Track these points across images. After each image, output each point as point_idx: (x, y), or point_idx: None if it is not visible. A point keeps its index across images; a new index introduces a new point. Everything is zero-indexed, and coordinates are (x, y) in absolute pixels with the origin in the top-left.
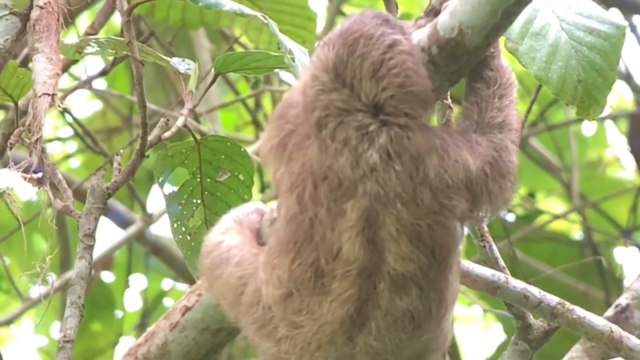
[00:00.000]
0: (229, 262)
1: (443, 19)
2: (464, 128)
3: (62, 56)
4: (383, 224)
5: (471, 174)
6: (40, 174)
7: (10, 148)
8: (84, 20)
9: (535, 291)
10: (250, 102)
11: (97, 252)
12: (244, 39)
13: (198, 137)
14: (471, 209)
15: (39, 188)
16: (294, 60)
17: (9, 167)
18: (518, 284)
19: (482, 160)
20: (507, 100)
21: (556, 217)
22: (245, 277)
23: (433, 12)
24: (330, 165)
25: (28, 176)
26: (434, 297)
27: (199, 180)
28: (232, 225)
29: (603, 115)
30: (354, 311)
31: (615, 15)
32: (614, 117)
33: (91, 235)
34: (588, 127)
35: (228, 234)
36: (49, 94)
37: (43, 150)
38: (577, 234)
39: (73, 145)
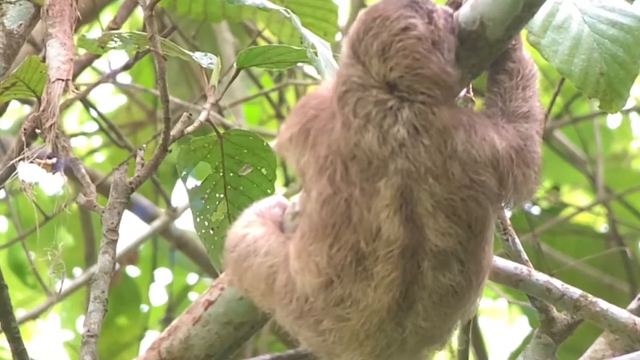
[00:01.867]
0: (257, 253)
1: (464, 11)
2: (490, 114)
3: (85, 51)
4: (418, 201)
5: (498, 153)
6: (54, 160)
7: (25, 134)
8: (107, 15)
9: (557, 284)
10: (274, 96)
11: (122, 246)
12: (266, 33)
13: (221, 131)
14: (499, 190)
15: (53, 174)
16: (316, 55)
17: (26, 158)
18: (541, 277)
19: (508, 144)
20: (530, 91)
21: (581, 209)
22: (275, 266)
23: (454, 4)
24: (357, 142)
25: (42, 162)
26: (473, 269)
27: (221, 174)
28: (255, 218)
29: (628, 107)
30: (400, 295)
31: (638, 6)
32: (639, 110)
33: (114, 230)
34: (613, 120)
35: (252, 227)
36: (62, 79)
37: (57, 136)
38: (602, 226)
39: (98, 140)
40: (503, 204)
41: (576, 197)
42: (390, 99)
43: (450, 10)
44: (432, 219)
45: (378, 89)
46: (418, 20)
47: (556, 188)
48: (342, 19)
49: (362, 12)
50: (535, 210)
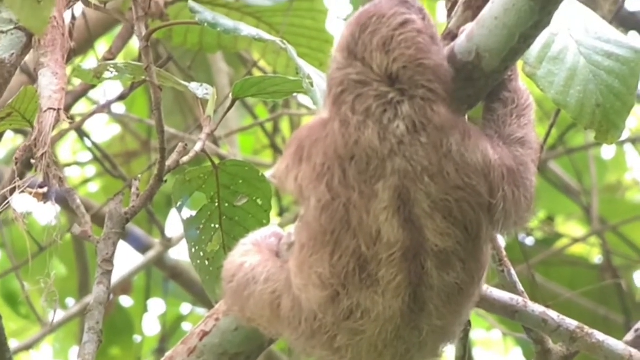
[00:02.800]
0: (257, 281)
1: (460, 42)
2: (486, 133)
3: (80, 81)
4: (416, 201)
5: (490, 163)
6: (46, 189)
7: (16, 163)
8: (102, 45)
9: (554, 315)
10: (269, 126)
11: (116, 276)
12: (262, 63)
13: (216, 161)
14: (490, 199)
15: (45, 203)
16: (312, 85)
17: (17, 187)
18: (537, 308)
19: (501, 161)
20: (525, 120)
21: (576, 240)
22: (278, 291)
23: (450, 35)
24: (357, 140)
25: (34, 191)
26: (474, 266)
27: (217, 204)
28: (251, 247)
29: (622, 138)
30: (409, 299)
31: (634, 38)
32: (633, 141)
33: (109, 261)
34: (607, 151)
35: (248, 256)
36: (54, 109)
37: (49, 165)
38: (596, 257)
39: (92, 170)
40: (493, 220)
41: (571, 228)
42: (391, 92)
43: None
44: (430, 220)
45: (379, 82)
46: (414, 16)
47: (550, 219)
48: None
49: (349, 20)
50: (530, 241)
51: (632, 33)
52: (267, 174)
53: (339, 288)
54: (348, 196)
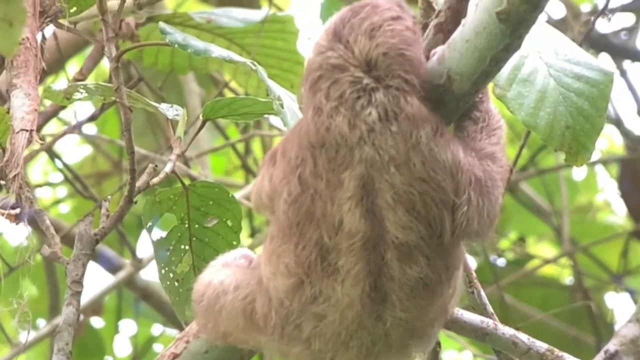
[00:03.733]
0: (227, 291)
1: (432, 65)
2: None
3: (49, 102)
4: (379, 192)
5: (459, 163)
6: (18, 210)
7: None
8: (73, 66)
9: (524, 338)
10: (240, 147)
11: (87, 297)
12: (233, 84)
13: (187, 182)
14: (454, 198)
15: (17, 224)
16: (282, 107)
17: None
18: (507, 331)
19: (470, 167)
20: (495, 139)
21: (547, 261)
22: (250, 295)
23: None
24: (328, 126)
25: (6, 212)
26: (441, 264)
27: (187, 226)
28: (220, 268)
29: (593, 160)
30: (369, 288)
31: (604, 60)
32: (604, 162)
33: (79, 282)
34: (578, 172)
35: (216, 274)
36: (26, 130)
37: (21, 187)
38: (567, 278)
39: (63, 191)
40: (455, 222)
41: (542, 249)
42: (366, 78)
43: None
44: (392, 212)
45: (356, 67)
46: (407, 16)
47: (522, 240)
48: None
49: (343, 9)
50: (501, 262)
51: (603, 55)
52: (238, 195)
53: (303, 277)
54: (316, 187)
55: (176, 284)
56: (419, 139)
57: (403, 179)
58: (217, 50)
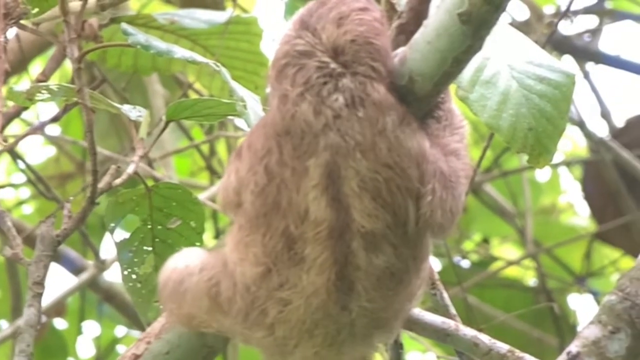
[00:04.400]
0: (192, 274)
1: (393, 66)
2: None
3: (12, 103)
4: (345, 179)
5: (425, 152)
6: None
7: None
8: (36, 67)
9: (485, 339)
10: (205, 148)
11: (50, 299)
12: (197, 85)
13: (150, 183)
14: (419, 185)
15: None
16: (246, 108)
17: None
18: (468, 332)
19: (436, 160)
20: (458, 137)
21: (510, 263)
22: (215, 277)
23: None
24: (293, 114)
25: None
26: (407, 254)
27: (150, 227)
28: (184, 255)
29: (556, 161)
30: (335, 277)
31: (567, 62)
32: (567, 164)
33: (40, 283)
34: (542, 174)
35: (181, 259)
36: None
37: None
38: (531, 280)
39: (26, 192)
40: (419, 211)
41: (505, 250)
42: (333, 63)
43: None
44: (358, 200)
45: (323, 52)
46: (374, 8)
47: (485, 241)
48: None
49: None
50: (465, 264)
51: (566, 57)
52: (202, 196)
53: (270, 265)
54: (282, 175)
55: (139, 285)
56: (385, 125)
57: (369, 165)
58: (180, 51)
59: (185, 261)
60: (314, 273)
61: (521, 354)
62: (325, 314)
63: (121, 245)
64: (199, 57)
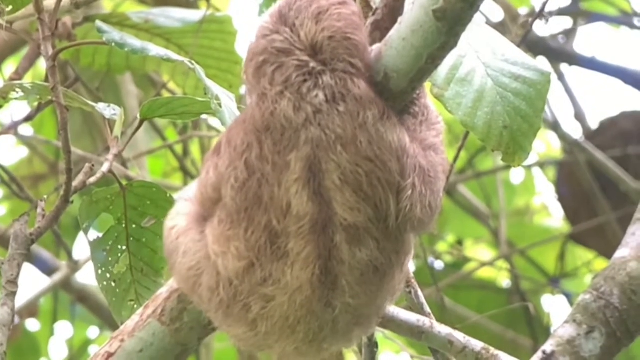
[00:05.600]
0: (177, 251)
1: None
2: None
3: None
4: (326, 173)
5: (405, 146)
6: None
7: None
8: (9, 67)
9: (459, 336)
10: (178, 149)
11: (22, 299)
12: (171, 85)
13: (124, 183)
14: (400, 179)
15: None
16: (220, 106)
17: None
18: (443, 329)
19: (415, 155)
20: (435, 132)
21: (484, 264)
22: (195, 267)
23: None
24: (272, 111)
25: None
26: (390, 247)
27: (124, 226)
28: (184, 205)
29: (530, 162)
30: (320, 272)
31: (542, 63)
32: (541, 165)
33: (14, 282)
34: (516, 175)
35: (178, 217)
36: None
37: None
38: (505, 281)
39: None
40: (399, 205)
41: (479, 251)
42: (312, 62)
43: None
44: (340, 193)
45: (302, 51)
46: (353, 3)
47: (459, 242)
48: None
49: None
50: (439, 265)
51: (541, 58)
52: (176, 196)
53: (254, 260)
54: (262, 171)
55: (113, 284)
56: (365, 119)
57: (349, 158)
58: (155, 49)
59: (179, 223)
60: (298, 267)
61: (495, 352)
62: (308, 310)
63: (95, 245)
64: (174, 55)
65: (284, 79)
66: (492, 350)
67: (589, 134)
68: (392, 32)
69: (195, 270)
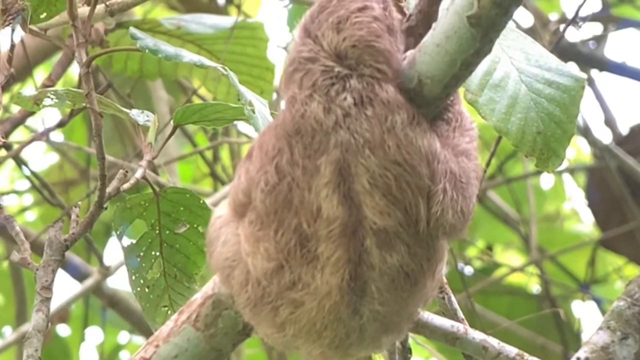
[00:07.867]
0: (218, 240)
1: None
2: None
3: (19, 107)
4: (356, 177)
5: (435, 151)
6: None
7: None
8: (41, 73)
9: (494, 342)
10: (209, 154)
11: (54, 305)
12: (202, 91)
13: (157, 189)
14: (430, 183)
15: None
16: (254, 112)
17: None
18: (477, 335)
19: (447, 160)
20: (469, 138)
21: (514, 270)
22: (229, 259)
23: None
24: (303, 113)
25: None
26: (422, 253)
27: (157, 232)
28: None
29: (561, 168)
30: (349, 277)
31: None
32: (572, 171)
33: (49, 288)
34: (546, 181)
35: (224, 207)
36: None
37: None
38: (535, 287)
39: (30, 198)
40: (430, 211)
41: (509, 257)
42: (338, 67)
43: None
44: (369, 197)
45: (326, 58)
46: (374, 4)
47: (489, 248)
48: (279, 77)
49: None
50: (468, 271)
51: (570, 64)
52: (207, 201)
53: (283, 262)
54: (293, 175)
55: (147, 290)
56: (394, 123)
57: (378, 162)
58: (188, 55)
59: (223, 214)
60: (327, 272)
61: (530, 358)
62: (336, 317)
63: (129, 251)
64: (207, 61)
65: (311, 82)
66: (527, 356)
67: (619, 140)
68: (426, 38)
69: (230, 262)
